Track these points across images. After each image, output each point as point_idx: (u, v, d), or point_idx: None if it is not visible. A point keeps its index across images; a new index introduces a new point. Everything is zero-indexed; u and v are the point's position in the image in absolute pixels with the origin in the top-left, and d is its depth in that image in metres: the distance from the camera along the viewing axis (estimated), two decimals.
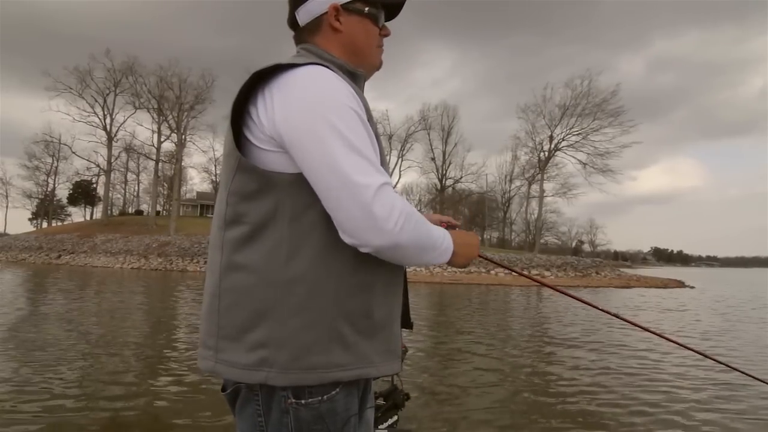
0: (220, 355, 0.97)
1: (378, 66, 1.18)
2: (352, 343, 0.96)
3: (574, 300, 1.56)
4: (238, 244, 0.96)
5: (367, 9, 1.10)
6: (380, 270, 0.99)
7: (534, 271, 29.95)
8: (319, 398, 0.94)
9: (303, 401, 0.93)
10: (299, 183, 0.93)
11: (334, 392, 0.95)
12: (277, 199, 0.94)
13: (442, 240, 1.00)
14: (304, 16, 1.11)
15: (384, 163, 1.00)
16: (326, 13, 1.08)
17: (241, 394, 0.98)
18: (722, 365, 2.01)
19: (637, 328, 1.73)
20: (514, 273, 1.56)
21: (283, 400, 0.94)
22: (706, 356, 1.89)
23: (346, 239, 0.90)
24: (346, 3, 1.08)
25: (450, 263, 1.06)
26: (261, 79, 0.95)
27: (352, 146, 0.89)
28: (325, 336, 0.93)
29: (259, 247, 0.95)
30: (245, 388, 0.97)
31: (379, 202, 0.87)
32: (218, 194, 1.04)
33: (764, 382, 1.90)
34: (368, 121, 0.98)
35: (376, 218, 0.86)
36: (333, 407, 0.95)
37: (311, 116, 0.90)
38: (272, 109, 0.94)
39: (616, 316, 1.64)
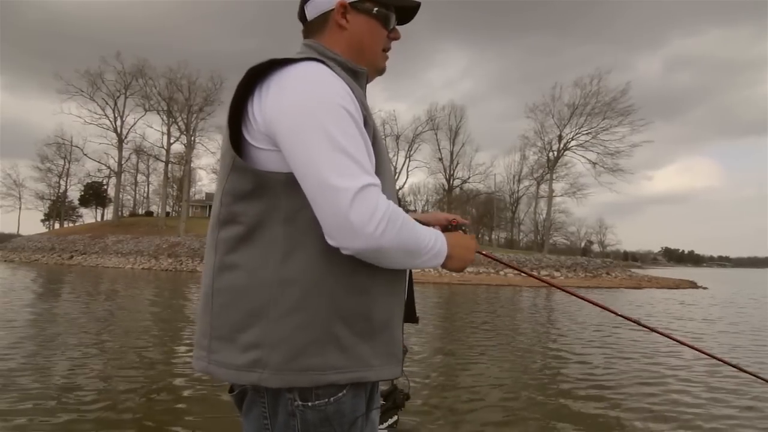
0: (213, 355, 0.95)
1: (380, 70, 1.16)
2: (349, 345, 0.93)
3: (582, 300, 1.52)
4: (232, 244, 0.95)
5: (375, 9, 1.08)
6: (380, 271, 0.96)
7: (543, 272, 29.70)
8: (326, 400, 0.92)
9: (310, 403, 0.91)
10: (293, 183, 0.90)
11: (341, 394, 0.93)
12: (271, 199, 0.93)
13: (434, 243, 0.96)
14: (312, 10, 1.10)
15: (383, 164, 0.98)
16: (333, 9, 1.07)
17: (247, 396, 0.97)
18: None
19: (671, 339, 1.66)
20: (522, 273, 1.55)
21: (289, 403, 0.92)
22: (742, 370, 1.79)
23: (329, 241, 0.88)
24: (354, 1, 1.07)
25: (444, 266, 1.01)
26: (257, 75, 0.93)
27: (338, 146, 0.86)
28: (319, 337, 0.91)
29: (253, 248, 0.93)
30: (251, 390, 0.95)
31: (358, 206, 0.84)
32: (215, 194, 1.03)
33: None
34: (366, 120, 0.96)
35: (352, 222, 0.83)
36: (340, 409, 0.93)
37: (299, 114, 0.88)
38: (265, 106, 0.92)
39: (637, 322, 1.58)
